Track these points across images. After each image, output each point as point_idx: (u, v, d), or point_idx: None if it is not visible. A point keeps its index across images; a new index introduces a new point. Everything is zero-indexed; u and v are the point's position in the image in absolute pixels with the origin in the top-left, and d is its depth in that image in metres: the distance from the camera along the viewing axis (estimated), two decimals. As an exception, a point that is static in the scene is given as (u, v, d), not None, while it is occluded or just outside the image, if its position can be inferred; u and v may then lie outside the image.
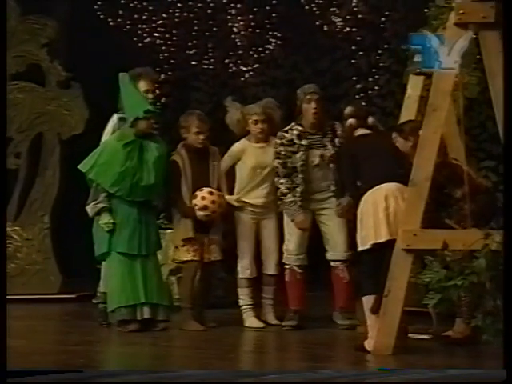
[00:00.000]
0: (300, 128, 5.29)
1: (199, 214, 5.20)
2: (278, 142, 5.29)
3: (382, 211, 4.43)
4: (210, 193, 5.21)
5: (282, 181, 5.26)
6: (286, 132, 5.30)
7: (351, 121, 4.88)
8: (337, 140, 5.31)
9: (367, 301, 4.48)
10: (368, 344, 4.41)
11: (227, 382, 3.47)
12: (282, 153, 5.26)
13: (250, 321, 5.35)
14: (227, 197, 5.35)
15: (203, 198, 5.19)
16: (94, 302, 6.17)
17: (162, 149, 5.27)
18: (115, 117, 5.37)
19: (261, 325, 5.32)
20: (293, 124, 5.32)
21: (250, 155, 5.37)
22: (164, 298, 5.22)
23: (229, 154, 5.41)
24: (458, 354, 4.48)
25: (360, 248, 4.55)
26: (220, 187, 5.33)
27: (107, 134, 5.35)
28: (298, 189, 5.24)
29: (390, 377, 3.51)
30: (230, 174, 5.46)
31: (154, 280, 5.18)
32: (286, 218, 5.34)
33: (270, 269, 5.40)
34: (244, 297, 5.37)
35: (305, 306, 5.37)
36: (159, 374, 3.60)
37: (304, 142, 5.26)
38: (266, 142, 5.42)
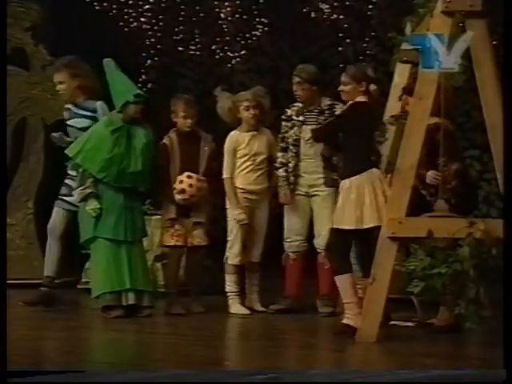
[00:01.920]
0: (300, 105, 5.45)
1: (177, 197, 5.24)
2: (282, 117, 5.52)
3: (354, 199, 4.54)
4: (189, 176, 5.24)
5: (278, 154, 5.43)
6: (289, 108, 5.50)
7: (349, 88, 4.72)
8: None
9: (341, 281, 4.52)
10: (348, 321, 4.47)
11: (221, 382, 3.46)
12: (282, 127, 5.47)
13: (236, 307, 5.36)
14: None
15: (181, 182, 5.24)
16: (79, 287, 6.17)
17: (150, 135, 5.26)
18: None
19: (246, 311, 5.34)
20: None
21: (242, 144, 5.39)
22: (149, 284, 5.22)
23: (227, 150, 5.38)
24: (440, 340, 4.52)
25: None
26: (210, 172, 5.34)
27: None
28: (290, 164, 5.38)
29: (386, 376, 3.52)
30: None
31: (139, 266, 5.18)
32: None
33: (255, 257, 5.42)
34: (231, 283, 5.38)
35: (298, 293, 5.37)
36: (161, 373, 3.59)
37: (300, 118, 5.42)
38: (256, 131, 5.43)
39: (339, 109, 5.35)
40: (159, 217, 5.91)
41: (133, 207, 5.22)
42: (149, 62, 7.87)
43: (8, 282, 6.18)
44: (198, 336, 4.65)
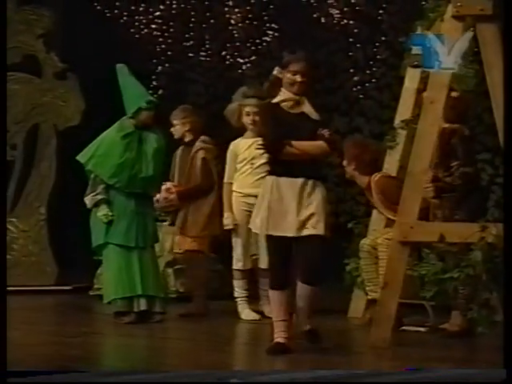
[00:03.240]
0: None
1: None
2: None
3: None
4: (159, 189, 5.43)
5: None
6: None
7: None
8: None
9: (272, 295, 4.23)
10: (278, 339, 4.15)
11: (225, 382, 3.46)
12: None
13: (246, 313, 5.35)
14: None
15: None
16: (91, 293, 6.19)
17: (161, 141, 5.27)
18: None
19: (256, 317, 5.33)
20: None
21: (242, 149, 5.42)
22: (160, 290, 5.21)
23: (229, 156, 5.44)
24: (453, 345, 4.50)
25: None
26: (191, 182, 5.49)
27: None
28: None
29: (387, 376, 3.50)
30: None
31: (151, 272, 5.17)
32: None
33: (263, 263, 5.41)
34: (238, 288, 5.39)
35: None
36: (162, 374, 3.60)
37: None
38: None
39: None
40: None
41: (144, 213, 5.21)
42: (159, 68, 7.89)
43: (20, 287, 6.28)
44: (208, 341, 4.65)
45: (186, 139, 5.55)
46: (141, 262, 5.13)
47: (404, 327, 4.86)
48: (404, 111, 5.38)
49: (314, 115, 4.19)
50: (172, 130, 5.57)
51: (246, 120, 5.39)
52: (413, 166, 4.38)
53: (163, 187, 5.40)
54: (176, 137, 5.57)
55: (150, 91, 6.38)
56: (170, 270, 6.11)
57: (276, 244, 4.16)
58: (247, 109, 5.38)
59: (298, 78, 4.15)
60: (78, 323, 5.16)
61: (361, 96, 7.57)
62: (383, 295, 4.35)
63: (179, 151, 5.61)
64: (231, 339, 4.86)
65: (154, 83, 7.74)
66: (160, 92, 7.75)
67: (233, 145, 5.47)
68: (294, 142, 4.12)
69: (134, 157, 5.13)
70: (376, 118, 7.45)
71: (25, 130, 6.78)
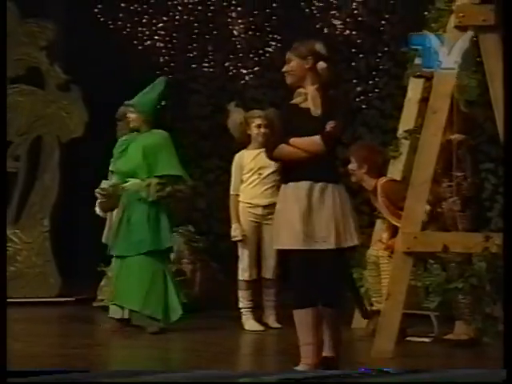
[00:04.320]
0: None
1: None
2: None
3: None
4: None
5: None
6: None
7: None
8: None
9: (298, 315, 3.75)
10: (302, 366, 3.71)
11: (224, 382, 3.45)
12: None
13: (250, 324, 5.34)
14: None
15: None
16: (94, 305, 6.19)
17: (151, 139, 5.25)
18: None
19: (260, 328, 5.32)
20: None
21: (247, 160, 5.42)
22: (135, 304, 5.01)
23: (234, 167, 5.46)
24: (457, 356, 4.48)
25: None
26: None
27: None
28: None
29: (387, 377, 3.48)
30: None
31: (124, 282, 5.04)
32: None
33: (268, 273, 5.41)
34: (243, 299, 5.38)
35: None
36: (163, 374, 3.59)
37: None
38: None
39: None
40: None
41: (130, 220, 5.12)
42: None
43: (23, 299, 6.27)
44: (212, 352, 4.64)
45: None
46: (118, 271, 5.10)
47: (408, 338, 4.85)
48: (407, 121, 5.39)
49: (314, 111, 3.75)
50: None
51: (256, 132, 5.39)
52: (415, 176, 4.38)
53: None
54: None
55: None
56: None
57: (294, 258, 3.68)
58: (258, 121, 5.38)
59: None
60: (82, 335, 5.15)
61: (364, 106, 7.57)
62: (387, 306, 4.34)
63: None
64: (234, 350, 4.84)
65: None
66: (163, 103, 7.76)
67: (237, 157, 5.47)
68: (291, 140, 3.72)
69: (123, 158, 5.23)
70: (379, 128, 7.45)
71: (28, 141, 6.78)
